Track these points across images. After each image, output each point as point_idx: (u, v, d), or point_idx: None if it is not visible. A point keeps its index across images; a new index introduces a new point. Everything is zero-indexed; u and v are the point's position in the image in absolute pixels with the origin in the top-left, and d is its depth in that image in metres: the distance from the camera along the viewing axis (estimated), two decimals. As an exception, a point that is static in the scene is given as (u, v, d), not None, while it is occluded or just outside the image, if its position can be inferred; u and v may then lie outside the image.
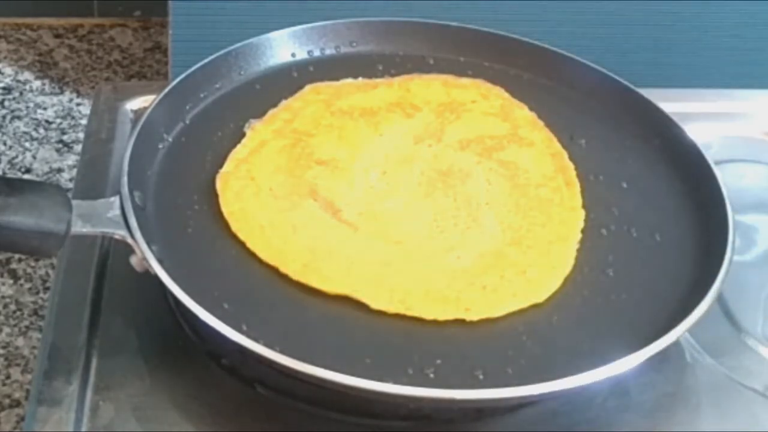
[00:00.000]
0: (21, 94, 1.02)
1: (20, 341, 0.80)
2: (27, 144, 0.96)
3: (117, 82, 1.04)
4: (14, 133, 0.97)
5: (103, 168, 0.75)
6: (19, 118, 0.99)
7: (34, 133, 0.97)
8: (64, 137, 0.97)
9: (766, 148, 0.85)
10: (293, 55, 0.79)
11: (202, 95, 0.75)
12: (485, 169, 0.71)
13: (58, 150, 0.96)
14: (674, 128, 0.74)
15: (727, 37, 0.94)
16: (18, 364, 0.78)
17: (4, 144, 0.96)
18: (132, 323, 0.65)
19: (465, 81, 0.79)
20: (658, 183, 0.72)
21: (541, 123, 0.75)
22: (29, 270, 0.85)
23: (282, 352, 0.56)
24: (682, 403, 0.64)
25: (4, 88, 1.02)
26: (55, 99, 1.02)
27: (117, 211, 0.62)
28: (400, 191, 0.69)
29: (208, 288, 0.61)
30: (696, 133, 0.73)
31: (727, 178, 0.69)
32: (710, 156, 0.71)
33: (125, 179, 0.63)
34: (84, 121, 0.96)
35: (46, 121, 0.99)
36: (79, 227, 0.60)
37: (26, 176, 0.93)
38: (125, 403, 0.60)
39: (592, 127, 0.76)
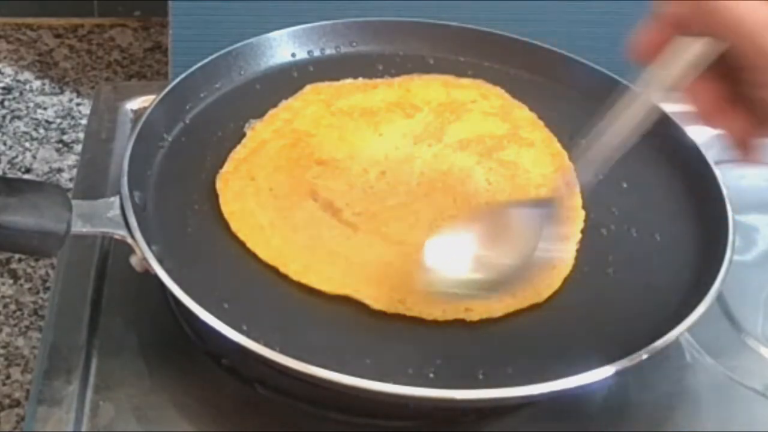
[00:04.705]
0: (21, 94, 1.02)
1: (20, 341, 0.80)
2: (27, 144, 0.96)
3: (117, 82, 1.04)
4: (14, 133, 0.97)
5: (103, 168, 0.75)
6: (19, 118, 0.99)
7: (34, 133, 0.97)
8: (64, 137, 0.97)
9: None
10: (293, 55, 0.79)
11: (202, 95, 0.75)
12: (485, 169, 0.71)
13: (58, 150, 0.96)
14: (674, 128, 0.74)
15: (727, 37, 0.94)
16: (18, 364, 0.78)
17: (4, 144, 0.96)
18: (132, 323, 0.65)
19: (465, 81, 0.79)
20: (658, 183, 0.72)
21: (541, 123, 0.75)
22: (29, 270, 0.85)
23: (282, 352, 0.56)
24: (682, 403, 0.64)
25: (4, 88, 1.02)
26: (55, 99, 1.02)
27: (117, 211, 0.62)
28: (399, 191, 0.69)
29: (208, 288, 0.61)
30: (696, 133, 0.73)
31: (727, 178, 0.69)
32: (710, 156, 0.71)
33: (125, 179, 0.63)
34: (84, 121, 0.96)
35: (46, 121, 0.99)
36: (79, 227, 0.60)
37: (26, 176, 0.93)
38: (125, 403, 0.61)
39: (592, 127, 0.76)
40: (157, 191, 0.67)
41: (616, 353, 0.58)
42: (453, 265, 0.59)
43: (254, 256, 0.64)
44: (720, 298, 0.68)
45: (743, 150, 0.54)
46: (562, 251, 0.63)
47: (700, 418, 0.64)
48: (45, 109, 1.00)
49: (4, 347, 0.79)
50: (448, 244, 0.60)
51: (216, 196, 0.67)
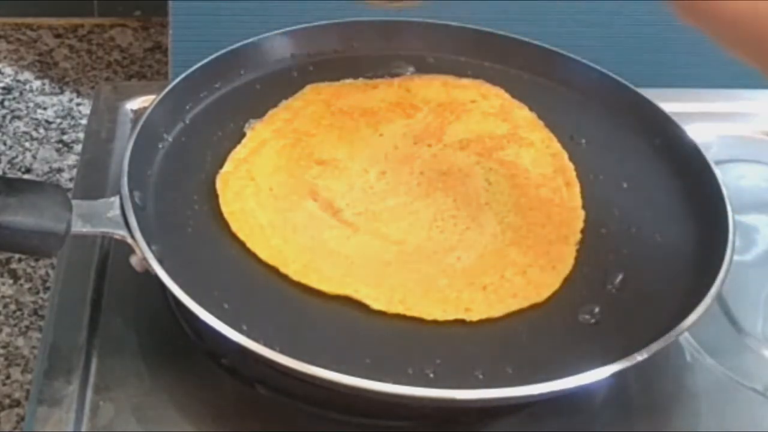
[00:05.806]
0: (21, 94, 1.02)
1: (20, 341, 0.80)
2: (27, 144, 0.96)
3: (117, 82, 1.04)
4: (14, 133, 0.97)
5: (103, 168, 0.75)
6: (19, 118, 0.99)
7: (34, 133, 0.97)
8: (64, 137, 0.97)
9: (766, 148, 0.84)
10: (293, 55, 0.79)
11: (202, 95, 0.75)
12: (485, 169, 0.71)
13: (58, 150, 0.96)
14: (674, 128, 0.74)
15: (727, 37, 0.94)
16: (18, 364, 0.78)
17: (4, 144, 0.96)
18: (132, 323, 0.65)
19: (465, 81, 0.79)
20: (658, 183, 0.72)
21: (541, 123, 0.75)
22: (29, 270, 0.85)
23: (282, 352, 0.56)
24: (682, 403, 0.64)
25: (4, 88, 1.02)
26: (55, 99, 1.02)
27: (117, 211, 0.62)
28: (399, 191, 0.69)
29: (208, 288, 0.61)
30: (696, 133, 0.73)
31: (727, 178, 0.69)
32: (710, 156, 0.71)
33: (125, 179, 0.63)
34: (84, 121, 0.96)
35: (46, 121, 0.99)
36: (79, 227, 0.60)
37: (26, 176, 0.93)
38: (125, 403, 0.61)
39: (592, 127, 0.76)
40: (157, 191, 0.67)
41: (616, 353, 0.58)
42: None
43: (254, 256, 0.64)
44: (720, 298, 0.68)
45: None
46: None
47: (700, 418, 0.64)
48: (45, 109, 1.00)
49: (4, 347, 0.79)
50: None
51: (216, 196, 0.67)
